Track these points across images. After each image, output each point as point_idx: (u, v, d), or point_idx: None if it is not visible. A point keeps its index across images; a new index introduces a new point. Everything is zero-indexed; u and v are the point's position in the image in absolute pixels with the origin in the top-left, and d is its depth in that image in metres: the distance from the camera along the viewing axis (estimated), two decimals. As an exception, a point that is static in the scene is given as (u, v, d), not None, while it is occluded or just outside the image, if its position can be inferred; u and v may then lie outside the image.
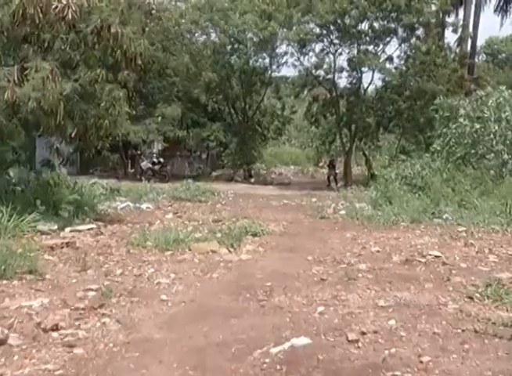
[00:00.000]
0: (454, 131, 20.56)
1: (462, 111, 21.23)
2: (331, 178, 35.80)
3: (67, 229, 13.10)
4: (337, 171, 36.32)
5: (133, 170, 35.48)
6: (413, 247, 10.56)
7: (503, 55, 59.91)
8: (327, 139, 39.21)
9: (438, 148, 22.75)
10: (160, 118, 32.84)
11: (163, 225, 14.31)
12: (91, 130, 15.38)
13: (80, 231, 13.15)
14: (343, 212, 18.47)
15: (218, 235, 11.70)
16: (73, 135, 14.90)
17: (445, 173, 19.71)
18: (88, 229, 13.35)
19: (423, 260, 9.58)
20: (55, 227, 13.04)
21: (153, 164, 33.58)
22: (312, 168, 45.25)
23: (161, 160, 34.11)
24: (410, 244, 10.94)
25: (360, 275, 8.58)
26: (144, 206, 20.24)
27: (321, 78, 35.43)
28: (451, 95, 33.48)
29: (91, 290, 7.76)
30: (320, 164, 44.01)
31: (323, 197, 26.89)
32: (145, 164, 33.64)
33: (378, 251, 10.28)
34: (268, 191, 30.62)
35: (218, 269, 9.15)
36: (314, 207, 20.05)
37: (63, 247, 10.75)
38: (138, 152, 35.82)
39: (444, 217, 14.67)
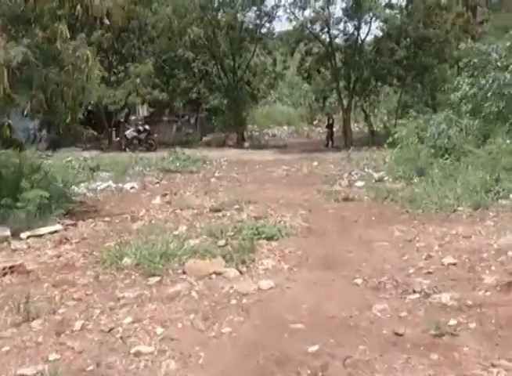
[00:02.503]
0: (485, 82, 17.03)
1: (494, 56, 17.68)
2: (329, 138, 32.63)
3: (24, 235, 9.77)
4: (333, 130, 33.11)
5: (118, 139, 31.86)
6: (502, 255, 7.23)
7: (497, -2, 55.22)
8: (321, 95, 35.51)
9: (458, 101, 19.36)
10: (138, 80, 29.13)
11: (149, 220, 11.03)
12: (55, 100, 11.95)
13: (41, 236, 9.84)
14: (360, 184, 15.30)
15: (222, 242, 8.33)
16: (28, 107, 11.51)
17: (478, 132, 16.39)
18: (52, 233, 10.01)
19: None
20: (8, 233, 9.71)
21: (139, 132, 30.07)
22: (307, 127, 41.75)
23: (147, 127, 30.53)
24: (493, 247, 7.58)
25: (454, 321, 5.29)
26: (128, 186, 16.96)
27: (317, 31, 31.70)
28: (457, 40, 30.19)
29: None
30: (314, 123, 40.44)
31: (325, 161, 23.81)
32: (129, 132, 30.07)
33: (454, 264, 6.94)
34: (264, 156, 27.33)
35: (228, 313, 5.86)
36: (324, 179, 16.81)
37: (5, 274, 7.43)
38: (121, 119, 32.11)
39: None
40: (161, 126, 34.42)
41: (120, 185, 16.92)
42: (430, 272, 6.72)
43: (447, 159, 15.21)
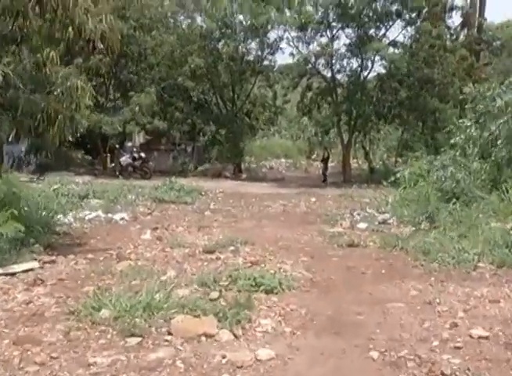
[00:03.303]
0: (495, 127, 16.14)
1: (499, 102, 16.85)
2: (325, 173, 31.82)
3: (-6, 274, 8.65)
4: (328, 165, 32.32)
5: (113, 165, 30.77)
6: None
7: (498, 42, 55.01)
8: (321, 129, 34.59)
9: (462, 143, 18.45)
10: (137, 108, 28.16)
11: (135, 259, 9.93)
12: (42, 127, 10.95)
13: (13, 274, 8.71)
14: (363, 226, 14.28)
15: (214, 295, 7.18)
16: (12, 133, 10.55)
17: (487, 177, 15.42)
18: (26, 271, 8.88)
19: None
20: (-24, 272, 8.60)
21: (134, 159, 29.09)
22: (305, 161, 40.82)
23: (142, 154, 29.53)
24: (527, 316, 6.55)
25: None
26: (118, 216, 15.86)
27: (320, 66, 30.94)
28: (461, 83, 29.48)
29: None
30: (313, 157, 39.49)
31: (323, 197, 22.83)
32: (124, 159, 29.08)
33: (486, 338, 5.83)
34: (261, 189, 26.36)
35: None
36: (324, 218, 15.79)
37: (-39, 325, 6.31)
38: (117, 146, 31.07)
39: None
40: (157, 154, 33.49)
41: (109, 215, 15.85)
42: (458, 348, 5.60)
43: (455, 204, 14.19)
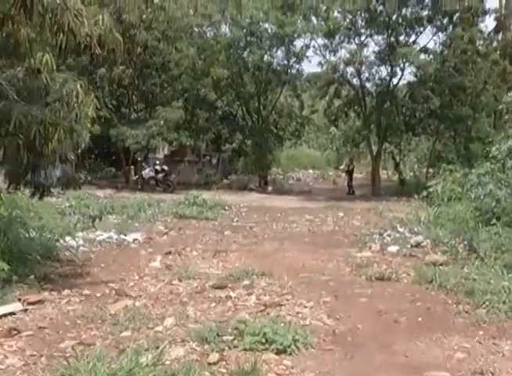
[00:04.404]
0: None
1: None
2: (350, 185, 30.33)
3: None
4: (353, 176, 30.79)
5: (136, 178, 29.60)
6: None
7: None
8: (352, 141, 32.94)
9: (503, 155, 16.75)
10: (162, 122, 26.94)
11: (136, 296, 8.59)
12: (39, 140, 9.63)
13: (-11, 319, 7.42)
14: (393, 249, 12.81)
15: (214, 357, 5.74)
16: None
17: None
18: (5, 316, 7.56)
19: None
20: None
21: (156, 172, 27.87)
22: (333, 172, 39.18)
23: (165, 167, 28.31)
24: None
25: None
26: (131, 238, 14.61)
27: (348, 75, 29.41)
28: (495, 89, 27.76)
29: None
30: (340, 168, 37.83)
31: (352, 212, 21.33)
32: (147, 172, 27.91)
33: None
34: (287, 203, 24.94)
35: None
36: (352, 239, 14.35)
37: None
38: (139, 158, 29.92)
39: None
40: (181, 166, 32.23)
41: (122, 236, 14.60)
42: None
43: (494, 225, 12.60)
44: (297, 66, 32.00)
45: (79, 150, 14.85)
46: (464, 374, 5.49)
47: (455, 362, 5.84)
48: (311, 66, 50.06)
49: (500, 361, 5.83)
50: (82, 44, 9.04)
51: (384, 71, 29.31)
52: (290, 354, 5.96)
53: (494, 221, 12.90)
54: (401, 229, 15.40)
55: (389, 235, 14.63)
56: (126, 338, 6.48)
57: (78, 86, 9.40)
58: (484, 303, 7.57)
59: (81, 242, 13.58)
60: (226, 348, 6.09)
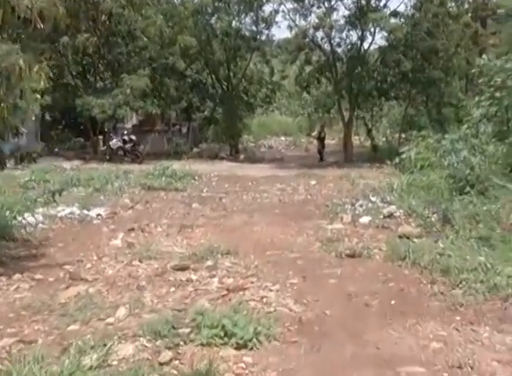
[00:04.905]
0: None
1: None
2: (322, 151, 29.70)
3: None
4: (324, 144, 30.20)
5: (104, 148, 28.61)
6: None
7: (503, 10, 51.92)
8: (323, 106, 32.18)
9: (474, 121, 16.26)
10: (128, 90, 25.94)
11: (92, 280, 7.97)
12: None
13: None
14: (365, 220, 12.29)
15: (166, 356, 5.07)
16: None
17: (504, 161, 13.30)
18: None
19: None
20: None
21: (124, 142, 26.90)
22: (305, 139, 38.44)
23: (133, 137, 27.34)
24: None
25: None
26: (94, 212, 13.88)
27: (319, 40, 28.53)
28: (467, 52, 27.21)
29: None
30: (312, 134, 37.13)
31: (324, 180, 20.78)
32: (114, 142, 26.97)
33: None
34: (259, 171, 24.30)
35: None
36: (323, 210, 13.76)
37: None
38: (106, 129, 28.95)
39: None
40: (151, 136, 31.28)
41: (85, 212, 13.87)
42: None
43: (468, 193, 12.14)
44: (267, 31, 31.10)
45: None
46: (441, 369, 4.91)
47: (430, 353, 5.24)
48: (280, 31, 48.96)
49: (479, 351, 5.25)
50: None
51: (354, 36, 28.53)
52: (252, 349, 5.34)
53: (468, 189, 12.45)
54: (373, 199, 14.83)
55: (361, 205, 14.07)
56: (72, 333, 5.86)
57: (21, 61, 8.61)
58: (460, 283, 6.99)
59: (41, 219, 12.87)
60: (181, 343, 5.46)
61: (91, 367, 4.88)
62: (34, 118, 11.18)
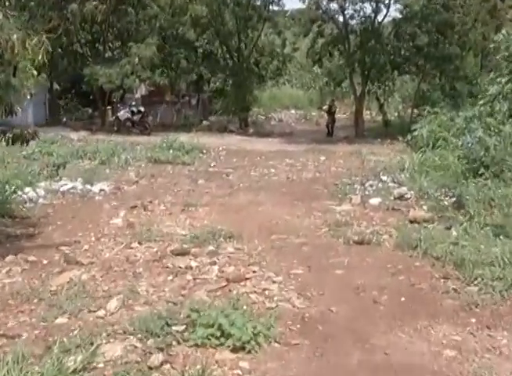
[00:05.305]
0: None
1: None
2: (330, 126, 29.06)
3: None
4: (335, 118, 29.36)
5: (112, 119, 28.08)
6: None
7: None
8: (334, 80, 31.34)
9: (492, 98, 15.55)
10: (137, 59, 25.31)
11: (87, 264, 7.57)
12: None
13: None
14: (375, 202, 11.78)
15: (157, 359, 4.59)
16: None
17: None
18: None
19: None
20: None
21: (132, 113, 26.33)
22: (316, 112, 37.66)
23: (141, 109, 26.79)
24: None
25: None
26: (97, 188, 13.49)
27: (332, 11, 27.69)
28: (484, 26, 26.33)
29: None
30: (323, 108, 36.43)
31: (334, 156, 20.27)
32: (122, 113, 26.42)
33: None
34: (268, 145, 23.81)
35: None
36: (332, 190, 13.24)
37: None
38: (114, 99, 28.38)
39: None
40: (160, 107, 30.68)
41: (87, 186, 13.47)
42: None
43: (482, 175, 11.58)
44: (279, 1, 30.24)
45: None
46: (457, 382, 4.47)
47: (443, 362, 4.75)
48: (292, 2, 47.82)
49: (497, 361, 4.76)
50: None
51: (368, 8, 27.66)
52: (249, 352, 4.90)
53: (482, 170, 11.89)
54: (384, 178, 14.35)
55: (371, 185, 13.59)
56: (59, 327, 5.45)
57: (14, 37, 8.08)
58: (475, 279, 6.48)
59: (42, 193, 12.51)
60: (174, 342, 5.03)
61: (75, 370, 4.48)
62: (29, 97, 10.64)
